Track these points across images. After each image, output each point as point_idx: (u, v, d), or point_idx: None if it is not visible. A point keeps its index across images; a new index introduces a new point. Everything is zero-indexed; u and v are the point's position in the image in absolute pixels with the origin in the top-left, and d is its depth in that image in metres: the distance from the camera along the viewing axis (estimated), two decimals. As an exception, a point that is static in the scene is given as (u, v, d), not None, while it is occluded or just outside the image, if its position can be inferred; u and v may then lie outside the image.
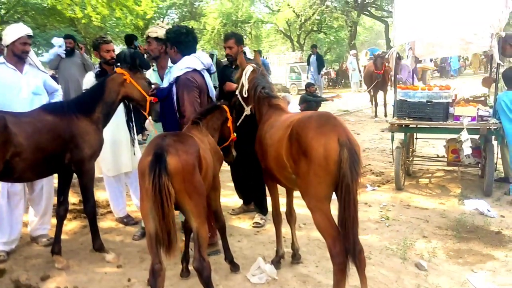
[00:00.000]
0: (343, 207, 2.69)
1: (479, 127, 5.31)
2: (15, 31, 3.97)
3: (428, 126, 5.72)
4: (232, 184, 5.24)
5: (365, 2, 26.44)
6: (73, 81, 7.36)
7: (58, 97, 4.45)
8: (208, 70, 3.94)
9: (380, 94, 12.29)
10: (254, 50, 8.61)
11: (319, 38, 31.06)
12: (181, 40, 3.81)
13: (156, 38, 4.12)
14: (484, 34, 5.35)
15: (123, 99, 3.96)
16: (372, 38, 43.08)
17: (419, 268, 3.73)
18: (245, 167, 4.67)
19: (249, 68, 3.73)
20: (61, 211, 3.87)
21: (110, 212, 5.16)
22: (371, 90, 12.30)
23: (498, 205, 5.21)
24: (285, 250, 3.89)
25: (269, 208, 4.27)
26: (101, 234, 4.07)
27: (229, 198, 5.57)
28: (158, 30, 4.10)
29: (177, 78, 3.70)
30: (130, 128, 4.70)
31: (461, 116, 5.43)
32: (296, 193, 3.36)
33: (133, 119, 4.79)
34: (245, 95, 3.73)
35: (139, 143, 5.42)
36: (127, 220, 4.96)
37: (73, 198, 5.28)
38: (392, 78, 11.05)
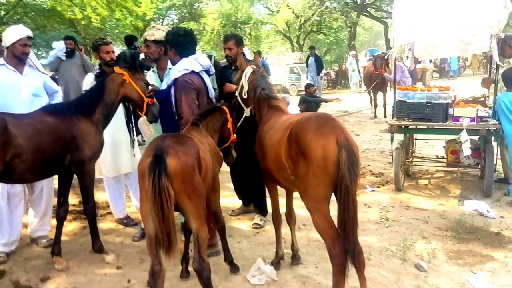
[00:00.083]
0: (342, 209, 2.69)
1: (478, 128, 5.31)
2: (15, 32, 3.97)
3: (427, 127, 5.73)
4: (231, 185, 5.24)
5: (364, 3, 26.45)
6: (73, 82, 7.36)
7: (58, 98, 4.45)
8: (207, 71, 3.95)
9: (380, 95, 12.30)
10: (254, 52, 8.62)
11: (319, 39, 31.09)
12: (179, 42, 3.82)
13: (155, 41, 4.12)
14: (484, 35, 5.35)
15: (122, 100, 3.96)
16: (372, 39, 43.14)
17: (419, 269, 3.74)
18: (245, 168, 4.67)
19: (249, 70, 3.74)
20: (61, 212, 3.87)
21: (110, 213, 5.16)
22: (371, 91, 12.31)
23: (498, 206, 5.21)
24: (285, 251, 3.90)
25: (269, 209, 4.27)
26: (100, 235, 4.07)
27: (229, 199, 5.57)
28: (155, 33, 4.10)
29: (175, 80, 3.71)
30: (129, 129, 4.70)
31: (460, 117, 5.43)
32: (296, 194, 3.36)
33: (132, 120, 4.79)
34: (245, 97, 3.74)
35: (139, 144, 5.42)
36: (127, 221, 4.96)
37: (73, 199, 5.28)
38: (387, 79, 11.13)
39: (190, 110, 3.61)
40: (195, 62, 3.78)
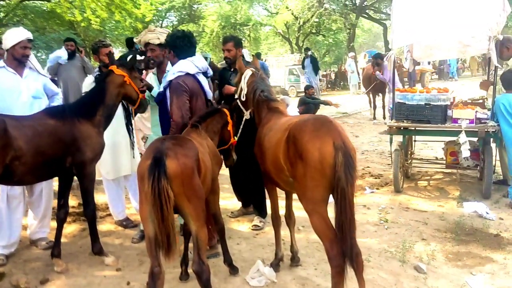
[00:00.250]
0: (339, 211, 2.70)
1: (477, 130, 5.32)
2: (15, 35, 3.98)
3: (426, 129, 5.74)
4: (231, 187, 5.23)
5: (363, 5, 26.52)
6: (73, 84, 7.35)
7: (58, 100, 4.46)
8: (205, 73, 3.95)
9: (379, 96, 12.32)
10: (252, 55, 8.62)
11: (318, 41, 31.13)
12: (177, 44, 3.83)
13: (160, 44, 4.14)
14: (482, 37, 5.37)
15: (121, 100, 4.01)
16: (371, 40, 43.21)
17: (418, 271, 3.74)
18: (244, 170, 4.67)
19: (248, 72, 3.75)
20: (61, 214, 3.87)
21: (109, 215, 5.16)
22: (370, 92, 12.33)
23: (497, 208, 5.22)
24: (284, 252, 3.90)
25: (268, 211, 4.28)
26: (100, 237, 4.07)
27: (228, 200, 5.57)
28: (160, 36, 4.13)
29: (170, 82, 3.73)
30: (129, 131, 4.71)
31: (459, 118, 5.44)
32: (295, 196, 3.36)
33: (132, 122, 4.79)
34: (243, 99, 3.75)
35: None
36: (126, 223, 4.96)
37: (72, 201, 5.28)
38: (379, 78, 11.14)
39: (180, 112, 3.60)
40: (191, 64, 3.78)
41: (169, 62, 4.18)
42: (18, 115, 3.68)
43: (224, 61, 4.99)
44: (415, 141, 7.09)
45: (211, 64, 5.14)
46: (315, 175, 2.74)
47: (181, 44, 3.82)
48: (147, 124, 6.13)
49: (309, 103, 9.74)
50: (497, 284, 3.54)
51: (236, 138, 3.87)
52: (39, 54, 16.98)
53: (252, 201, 5.02)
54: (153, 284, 2.73)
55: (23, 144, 3.35)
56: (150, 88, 4.22)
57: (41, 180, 3.85)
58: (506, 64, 5.73)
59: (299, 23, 27.64)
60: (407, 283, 3.57)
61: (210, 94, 3.97)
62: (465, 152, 5.29)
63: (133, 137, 4.81)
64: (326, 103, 10.24)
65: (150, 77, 4.44)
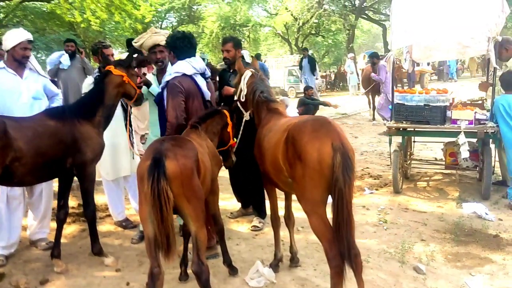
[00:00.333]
0: (336, 211, 2.70)
1: (476, 131, 5.33)
2: (16, 36, 3.98)
3: (425, 130, 5.74)
4: (230, 187, 5.24)
5: (362, 6, 26.56)
6: (73, 85, 7.34)
7: (58, 101, 4.47)
8: (203, 74, 3.95)
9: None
10: (252, 56, 8.61)
11: (317, 41, 31.16)
12: (177, 45, 3.83)
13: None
14: (481, 38, 5.38)
15: (120, 98, 4.06)
16: (370, 41, 43.27)
17: (418, 272, 3.74)
18: (244, 170, 4.68)
19: (247, 73, 3.75)
20: (61, 215, 3.88)
21: (109, 215, 5.17)
22: (369, 93, 12.35)
23: (496, 209, 5.22)
24: (284, 253, 3.91)
25: (268, 211, 4.28)
26: (99, 238, 4.07)
27: (228, 201, 5.57)
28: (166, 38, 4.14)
29: (167, 83, 3.74)
30: (129, 132, 4.71)
31: (458, 119, 5.45)
32: (295, 197, 3.36)
33: (132, 123, 4.80)
34: (243, 100, 3.75)
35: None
36: (126, 224, 4.96)
37: (72, 202, 5.28)
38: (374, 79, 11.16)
39: (175, 113, 3.61)
40: (188, 65, 3.78)
41: (169, 63, 4.19)
42: (18, 116, 3.69)
43: (223, 62, 5.00)
44: (414, 142, 7.10)
45: (209, 65, 5.15)
46: (313, 176, 2.75)
47: (181, 45, 3.83)
48: (140, 124, 6.17)
49: (308, 104, 9.76)
50: (496, 285, 3.54)
51: (235, 140, 3.88)
52: (39, 55, 16.99)
53: (252, 202, 5.03)
54: (152, 284, 2.74)
55: (23, 145, 3.36)
56: (148, 84, 4.23)
57: (42, 181, 3.85)
58: (505, 65, 5.74)
59: (298, 24, 27.66)
60: (406, 283, 3.57)
61: (208, 95, 3.96)
62: (464, 153, 5.30)
63: (132, 138, 4.82)
64: (325, 104, 10.25)
65: (150, 78, 4.44)
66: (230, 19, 28.17)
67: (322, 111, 11.37)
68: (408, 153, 6.73)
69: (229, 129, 3.72)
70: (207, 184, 3.17)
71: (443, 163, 6.37)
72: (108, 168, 4.71)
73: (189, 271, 3.36)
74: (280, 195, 3.71)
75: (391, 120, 5.97)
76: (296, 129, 2.92)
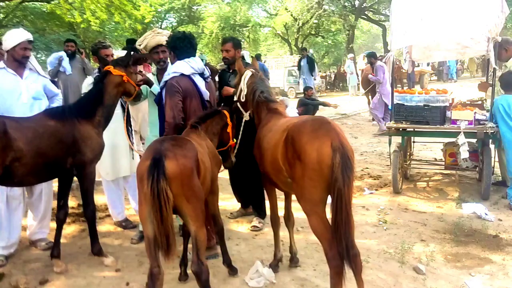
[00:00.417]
0: (335, 211, 2.70)
1: (476, 131, 5.33)
2: (16, 36, 3.98)
3: (425, 130, 5.75)
4: (230, 188, 5.24)
5: (362, 6, 26.57)
6: (73, 85, 7.35)
7: (58, 101, 4.47)
8: (202, 74, 3.95)
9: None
10: (252, 56, 8.63)
11: (317, 42, 31.19)
12: (177, 45, 3.84)
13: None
14: (481, 38, 5.38)
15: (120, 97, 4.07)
16: (370, 41, 43.28)
17: (417, 272, 3.74)
18: (244, 171, 4.68)
19: (247, 73, 3.75)
20: (61, 215, 3.88)
21: (109, 215, 5.16)
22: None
23: (496, 209, 5.22)
24: (283, 253, 3.91)
25: (267, 211, 4.29)
26: (99, 238, 4.08)
27: (228, 201, 5.57)
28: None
29: (165, 83, 3.74)
30: (128, 133, 4.71)
31: (458, 120, 5.45)
32: (294, 197, 3.37)
33: (131, 123, 4.80)
34: (243, 100, 3.75)
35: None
36: (126, 224, 4.97)
37: (72, 202, 5.28)
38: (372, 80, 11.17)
39: (172, 113, 3.61)
40: (186, 65, 3.78)
41: (169, 63, 4.19)
42: (18, 116, 3.69)
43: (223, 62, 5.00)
44: (414, 142, 7.10)
45: (207, 65, 5.15)
46: (313, 176, 2.75)
47: (181, 45, 3.83)
48: (133, 122, 6.15)
49: (308, 104, 9.76)
50: (495, 285, 3.55)
51: (235, 140, 3.88)
52: (39, 55, 16.97)
53: (251, 202, 5.03)
54: (152, 284, 2.74)
55: (23, 145, 3.36)
56: (149, 83, 4.23)
57: (42, 181, 3.85)
58: (505, 66, 5.74)
59: (298, 25, 27.67)
60: (406, 284, 3.58)
61: (206, 95, 3.96)
62: (464, 153, 5.30)
63: (132, 138, 4.82)
64: (325, 104, 10.26)
65: (150, 77, 4.44)
66: (229, 19, 28.19)
67: (322, 111, 11.38)
68: (408, 153, 6.74)
69: (229, 129, 3.73)
70: (207, 184, 3.17)
71: (443, 163, 6.37)
72: (108, 168, 4.71)
73: (189, 271, 3.36)
74: (280, 195, 3.71)
75: (390, 120, 5.97)
76: (295, 129, 2.92)
